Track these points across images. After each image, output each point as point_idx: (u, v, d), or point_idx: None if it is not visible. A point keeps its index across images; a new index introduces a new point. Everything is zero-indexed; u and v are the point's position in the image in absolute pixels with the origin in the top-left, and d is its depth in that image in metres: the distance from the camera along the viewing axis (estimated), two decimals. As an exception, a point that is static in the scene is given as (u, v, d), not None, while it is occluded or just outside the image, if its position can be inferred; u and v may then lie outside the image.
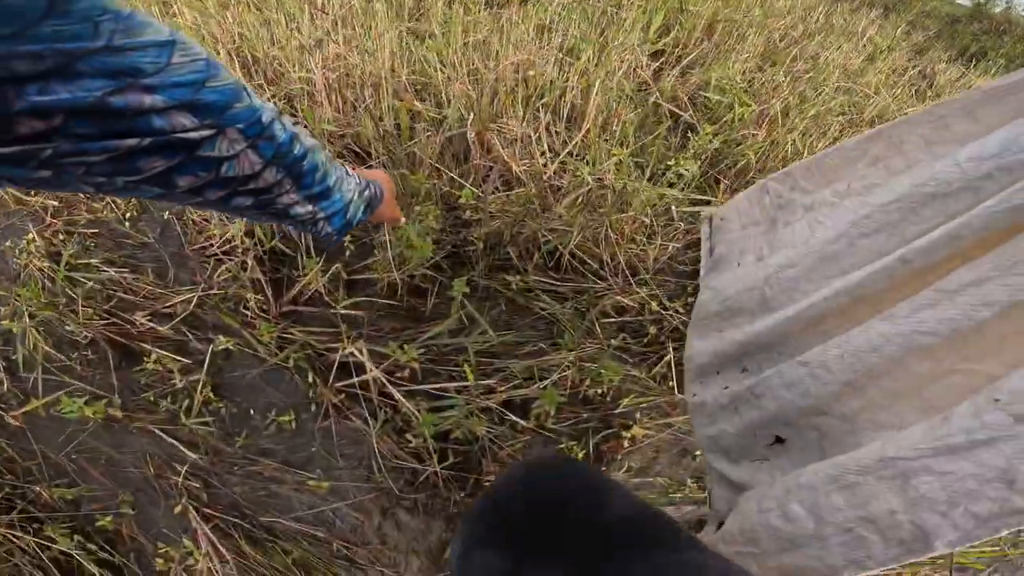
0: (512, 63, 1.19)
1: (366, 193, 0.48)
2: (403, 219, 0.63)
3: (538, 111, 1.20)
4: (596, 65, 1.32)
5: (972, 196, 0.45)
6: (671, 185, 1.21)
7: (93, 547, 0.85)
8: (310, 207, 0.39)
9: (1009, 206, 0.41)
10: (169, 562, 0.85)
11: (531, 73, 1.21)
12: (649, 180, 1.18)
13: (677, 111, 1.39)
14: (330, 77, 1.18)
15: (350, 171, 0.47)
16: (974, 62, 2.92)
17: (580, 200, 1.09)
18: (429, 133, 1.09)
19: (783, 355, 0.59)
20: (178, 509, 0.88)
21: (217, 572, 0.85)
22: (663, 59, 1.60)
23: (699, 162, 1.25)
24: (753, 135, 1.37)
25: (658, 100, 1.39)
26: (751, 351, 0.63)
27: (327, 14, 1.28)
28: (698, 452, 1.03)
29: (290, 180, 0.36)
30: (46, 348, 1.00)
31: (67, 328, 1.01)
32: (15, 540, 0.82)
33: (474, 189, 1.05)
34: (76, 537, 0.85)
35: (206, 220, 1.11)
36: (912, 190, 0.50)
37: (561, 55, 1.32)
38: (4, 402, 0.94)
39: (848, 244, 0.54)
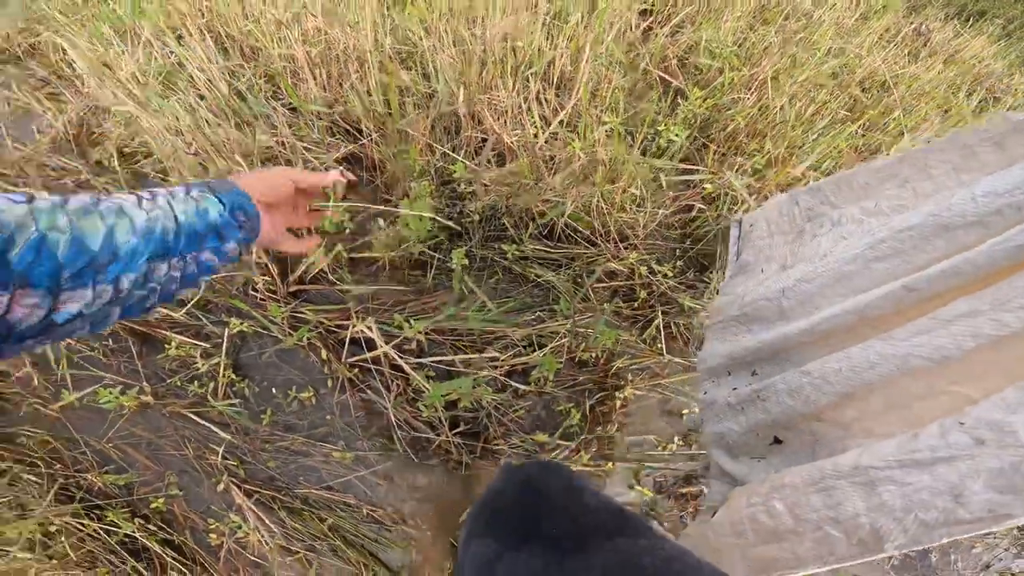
0: (500, 31, 1.16)
1: (191, 207, 0.37)
2: (311, 247, 0.52)
3: (527, 80, 1.19)
4: (585, 28, 1.29)
5: (982, 231, 0.47)
6: (661, 152, 1.23)
7: (153, 528, 0.90)
8: (110, 288, 0.31)
9: (1014, 244, 0.43)
10: (221, 536, 0.92)
11: (519, 44, 1.18)
12: (639, 146, 1.20)
13: (667, 77, 1.38)
14: (311, 52, 1.15)
15: (174, 195, 0.36)
16: (971, 22, 2.79)
17: (572, 175, 1.11)
18: (420, 111, 1.08)
19: (789, 363, 0.63)
20: (221, 487, 0.94)
21: (268, 543, 0.91)
22: (652, 18, 1.55)
23: (688, 128, 1.26)
24: (743, 99, 1.37)
25: (648, 66, 1.37)
26: (763, 357, 0.67)
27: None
28: (684, 411, 1.12)
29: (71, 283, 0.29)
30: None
31: (83, 320, 1.04)
32: (82, 528, 0.86)
33: (467, 163, 1.06)
34: (136, 520, 0.90)
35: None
36: (927, 219, 0.52)
37: (549, 19, 1.29)
38: (38, 396, 0.98)
39: (863, 266, 0.57)
